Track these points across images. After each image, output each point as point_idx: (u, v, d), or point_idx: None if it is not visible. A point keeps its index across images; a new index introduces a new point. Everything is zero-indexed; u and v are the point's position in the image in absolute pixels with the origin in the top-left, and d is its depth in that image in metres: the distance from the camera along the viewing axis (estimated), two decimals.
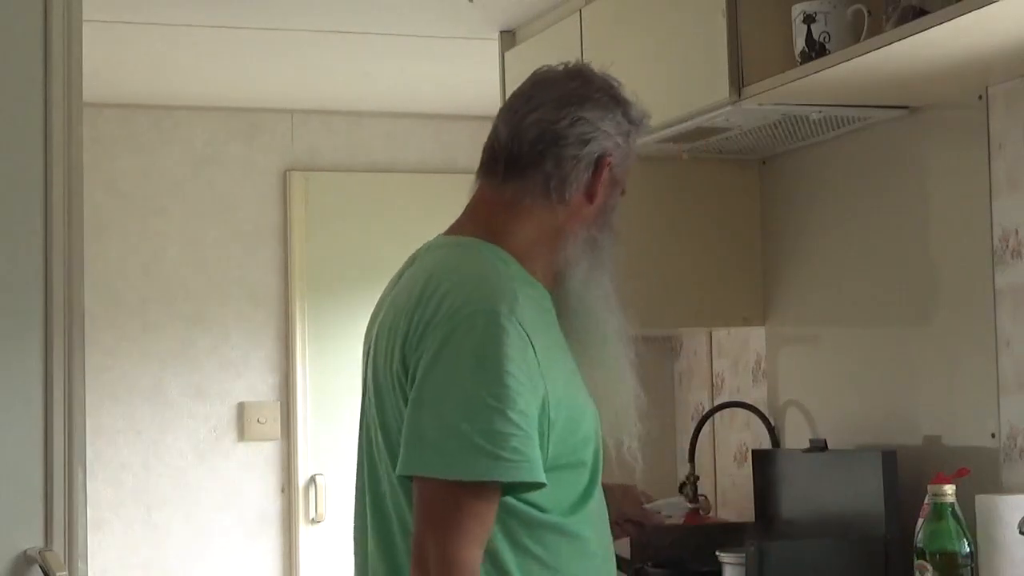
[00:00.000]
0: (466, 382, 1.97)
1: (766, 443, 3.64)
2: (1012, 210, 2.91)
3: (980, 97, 2.97)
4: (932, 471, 2.81)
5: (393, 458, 2.05)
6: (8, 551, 2.51)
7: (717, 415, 3.83)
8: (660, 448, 3.97)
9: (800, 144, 3.50)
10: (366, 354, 2.20)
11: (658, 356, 4.11)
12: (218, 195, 5.42)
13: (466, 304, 2.01)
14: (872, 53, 2.66)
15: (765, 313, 3.71)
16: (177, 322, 5.34)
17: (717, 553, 3.15)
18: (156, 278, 5.34)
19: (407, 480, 2.02)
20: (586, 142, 2.14)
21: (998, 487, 2.89)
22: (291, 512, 5.40)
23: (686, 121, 3.22)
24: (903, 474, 3.04)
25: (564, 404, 2.05)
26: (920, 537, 2.52)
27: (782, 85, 2.92)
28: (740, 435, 3.84)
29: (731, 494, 3.86)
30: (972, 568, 2.50)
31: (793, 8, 2.94)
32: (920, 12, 2.57)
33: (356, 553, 2.19)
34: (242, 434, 5.39)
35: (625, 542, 3.02)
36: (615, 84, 2.21)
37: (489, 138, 2.20)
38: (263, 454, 5.41)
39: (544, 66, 2.23)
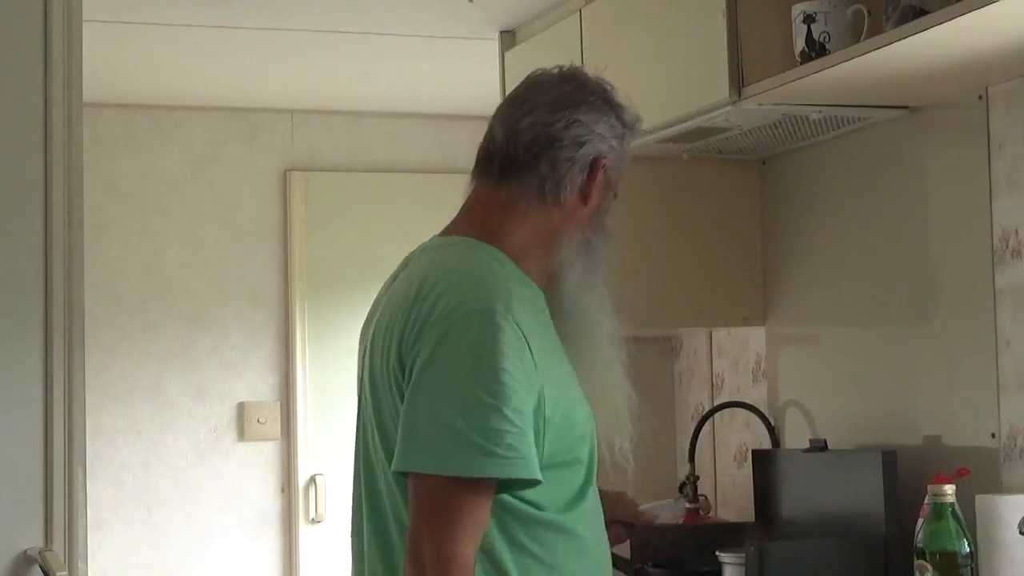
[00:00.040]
0: (462, 380, 1.98)
1: (766, 443, 3.64)
2: (1012, 210, 2.91)
3: (980, 97, 2.97)
4: (932, 471, 2.81)
5: (389, 457, 2.05)
6: (8, 551, 2.51)
7: (717, 415, 3.83)
8: (660, 448, 3.98)
9: (800, 144, 3.49)
10: (362, 354, 2.20)
11: (658, 356, 4.11)
12: (218, 195, 5.41)
13: (462, 303, 2.01)
14: (872, 53, 2.66)
15: (765, 313, 3.71)
16: (177, 322, 5.34)
17: (717, 553, 3.15)
18: (156, 278, 5.33)
19: (403, 477, 2.03)
20: (581, 144, 2.15)
21: (998, 487, 2.89)
22: (291, 512, 5.40)
23: (686, 121, 3.22)
24: (903, 474, 3.04)
25: (560, 402, 2.05)
26: (920, 537, 2.52)
27: (782, 85, 2.92)
28: (740, 435, 3.84)
29: (731, 494, 3.85)
30: (972, 568, 2.50)
31: (793, 8, 2.94)
32: (920, 12, 2.57)
33: (354, 552, 2.19)
34: (242, 434, 5.38)
35: (626, 543, 3.02)
36: (609, 88, 2.22)
37: (484, 140, 2.21)
38: (263, 454, 5.40)
39: (538, 69, 2.24)
